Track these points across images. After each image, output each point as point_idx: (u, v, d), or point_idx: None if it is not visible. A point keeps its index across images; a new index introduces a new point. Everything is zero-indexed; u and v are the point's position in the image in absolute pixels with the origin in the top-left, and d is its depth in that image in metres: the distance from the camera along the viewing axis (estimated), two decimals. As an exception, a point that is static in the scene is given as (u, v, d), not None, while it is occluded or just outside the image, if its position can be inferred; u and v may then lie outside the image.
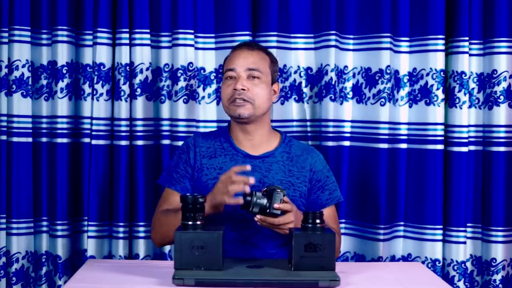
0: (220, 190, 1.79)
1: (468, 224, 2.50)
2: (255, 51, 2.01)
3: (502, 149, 2.46)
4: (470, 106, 2.48)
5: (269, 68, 2.01)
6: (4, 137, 2.46)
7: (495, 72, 2.45)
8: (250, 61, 1.97)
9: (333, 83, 2.45)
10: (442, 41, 2.43)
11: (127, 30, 2.43)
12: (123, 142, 2.44)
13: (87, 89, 2.49)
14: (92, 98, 2.45)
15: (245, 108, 1.94)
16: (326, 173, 2.06)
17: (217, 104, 2.48)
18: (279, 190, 1.75)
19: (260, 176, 1.96)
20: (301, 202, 1.99)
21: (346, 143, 2.47)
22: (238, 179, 1.75)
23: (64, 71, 2.44)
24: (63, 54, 2.43)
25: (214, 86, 2.48)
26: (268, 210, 1.74)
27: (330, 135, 2.46)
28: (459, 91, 2.45)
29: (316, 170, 2.04)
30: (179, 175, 2.00)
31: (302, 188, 2.00)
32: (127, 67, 2.44)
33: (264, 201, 1.74)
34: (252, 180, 1.75)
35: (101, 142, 2.45)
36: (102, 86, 2.44)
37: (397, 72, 2.48)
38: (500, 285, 2.47)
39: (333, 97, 2.45)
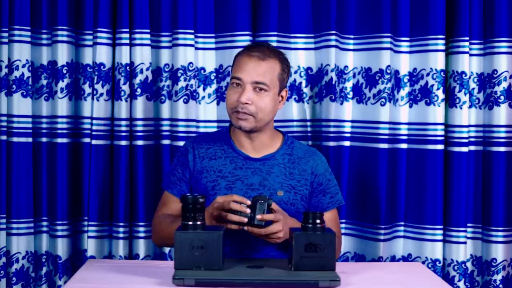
0: (217, 218, 1.76)
1: (468, 224, 2.50)
2: (265, 61, 1.90)
3: (502, 149, 2.46)
4: (470, 106, 2.48)
5: (278, 78, 1.93)
6: (4, 137, 2.46)
7: (495, 72, 2.45)
8: (258, 73, 1.89)
9: (333, 83, 2.45)
10: (443, 41, 2.43)
11: (127, 30, 2.43)
12: (123, 142, 2.44)
13: (87, 89, 2.49)
14: (92, 98, 2.45)
15: (247, 121, 1.90)
16: (328, 176, 2.04)
17: (217, 104, 2.48)
18: (263, 201, 1.73)
19: (260, 179, 1.95)
20: (302, 206, 1.97)
21: (346, 143, 2.47)
22: (236, 207, 1.73)
23: (64, 71, 2.44)
24: (63, 54, 2.43)
25: (214, 86, 2.48)
26: (252, 222, 1.73)
27: (330, 135, 2.46)
28: (460, 91, 2.45)
29: (318, 173, 2.02)
30: (176, 178, 2.00)
31: (303, 191, 1.98)
32: (127, 67, 2.44)
33: (249, 211, 1.73)
34: (248, 210, 1.73)
35: (101, 142, 2.45)
36: (102, 86, 2.44)
37: (397, 72, 2.48)
38: (501, 285, 2.47)
39: (333, 97, 2.45)
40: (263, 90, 1.90)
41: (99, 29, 2.41)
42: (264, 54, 1.92)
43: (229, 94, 1.94)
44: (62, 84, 2.44)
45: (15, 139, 2.44)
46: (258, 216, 1.73)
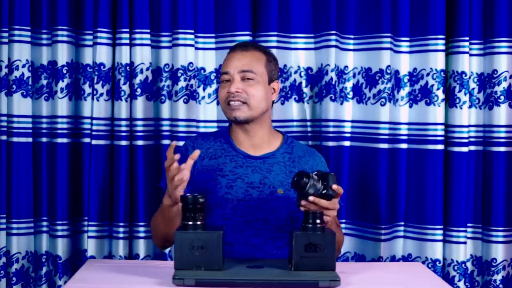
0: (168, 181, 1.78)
1: (469, 224, 2.50)
2: (249, 52, 1.98)
3: (502, 149, 2.46)
4: (470, 106, 2.48)
5: (265, 68, 1.98)
6: (4, 137, 2.46)
7: (495, 72, 2.45)
8: (243, 63, 1.95)
9: (333, 83, 2.45)
10: (443, 41, 2.43)
11: (127, 30, 2.43)
12: (123, 142, 2.44)
13: (87, 89, 2.49)
14: (92, 98, 2.45)
15: (241, 111, 1.94)
16: None
17: (217, 104, 2.48)
18: (333, 174, 1.75)
19: (260, 177, 1.96)
20: None
21: (347, 143, 2.47)
22: (168, 165, 1.74)
23: (64, 71, 2.44)
24: (63, 54, 2.43)
25: (214, 86, 2.48)
26: (325, 191, 1.73)
27: (331, 135, 2.46)
28: (460, 91, 2.45)
29: None
30: None
31: None
32: (127, 67, 2.44)
33: (319, 183, 1.73)
34: (196, 153, 1.74)
35: (101, 142, 2.45)
36: (102, 86, 2.44)
37: (397, 72, 2.48)
38: (501, 285, 2.47)
39: (333, 97, 2.45)
40: (251, 79, 1.95)
41: (99, 29, 2.41)
42: (247, 47, 2.01)
43: (220, 91, 2.00)
44: (62, 84, 2.44)
45: (15, 139, 2.44)
46: (334, 186, 1.73)
